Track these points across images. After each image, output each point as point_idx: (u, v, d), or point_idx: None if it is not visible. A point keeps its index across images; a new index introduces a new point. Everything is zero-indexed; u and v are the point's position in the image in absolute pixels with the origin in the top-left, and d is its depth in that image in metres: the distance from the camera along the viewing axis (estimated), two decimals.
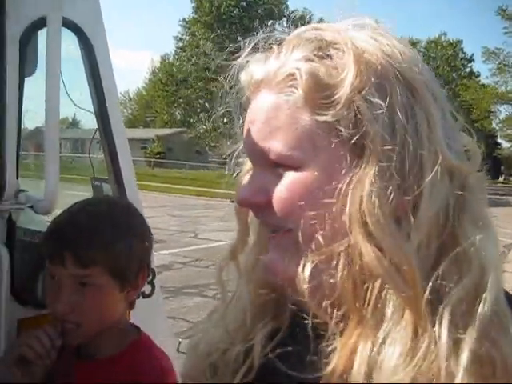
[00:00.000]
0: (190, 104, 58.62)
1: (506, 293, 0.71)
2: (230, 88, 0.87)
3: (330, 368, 0.70)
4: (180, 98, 59.83)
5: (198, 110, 57.97)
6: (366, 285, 0.70)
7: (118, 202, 1.84)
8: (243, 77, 0.83)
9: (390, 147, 0.69)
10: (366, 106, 0.70)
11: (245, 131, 0.82)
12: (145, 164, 47.04)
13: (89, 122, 2.28)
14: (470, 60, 75.51)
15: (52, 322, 1.45)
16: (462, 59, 75.39)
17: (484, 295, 0.65)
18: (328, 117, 0.72)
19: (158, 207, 20.20)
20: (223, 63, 0.88)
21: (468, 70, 75.30)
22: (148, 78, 79.20)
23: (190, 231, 15.27)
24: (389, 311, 0.67)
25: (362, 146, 0.71)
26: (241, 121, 0.87)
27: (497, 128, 60.46)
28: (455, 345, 0.63)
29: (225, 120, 0.99)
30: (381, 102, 0.69)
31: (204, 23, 57.33)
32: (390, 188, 0.68)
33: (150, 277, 2.37)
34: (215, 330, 0.92)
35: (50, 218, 1.65)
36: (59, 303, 1.41)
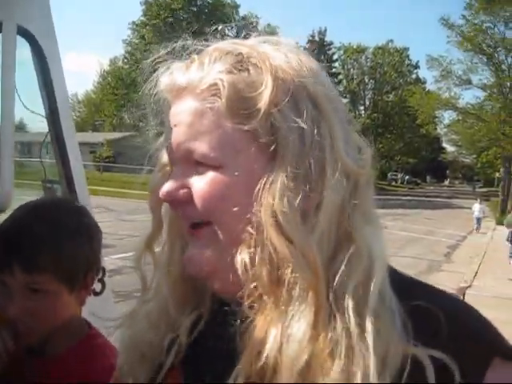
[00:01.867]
0: (140, 108, 57.74)
1: (393, 273, 0.83)
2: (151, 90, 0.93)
3: (249, 342, 0.79)
4: (129, 101, 59.02)
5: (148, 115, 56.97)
6: (279, 270, 0.79)
7: (64, 201, 1.79)
8: (165, 81, 0.89)
9: (299, 155, 0.79)
10: (281, 118, 0.80)
11: (168, 133, 0.89)
12: (94, 168, 46.23)
13: (37, 125, 2.29)
14: (416, 66, 77.18)
15: (5, 324, 1.43)
16: (408, 65, 76.90)
17: (373, 280, 0.77)
18: (248, 126, 0.81)
19: (108, 211, 19.93)
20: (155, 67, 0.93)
21: (414, 76, 77.04)
22: (97, 81, 78.00)
23: (140, 236, 15.05)
24: (296, 293, 0.77)
25: (276, 152, 0.80)
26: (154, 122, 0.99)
27: (441, 133, 61.95)
28: (360, 324, 0.75)
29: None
30: (293, 116, 0.80)
31: (153, 26, 56.86)
32: (298, 189, 0.78)
33: (100, 275, 2.40)
34: (138, 322, 0.99)
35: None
36: (11, 308, 1.40)
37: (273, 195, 0.79)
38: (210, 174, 0.83)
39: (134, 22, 62.61)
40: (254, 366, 0.78)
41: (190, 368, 0.93)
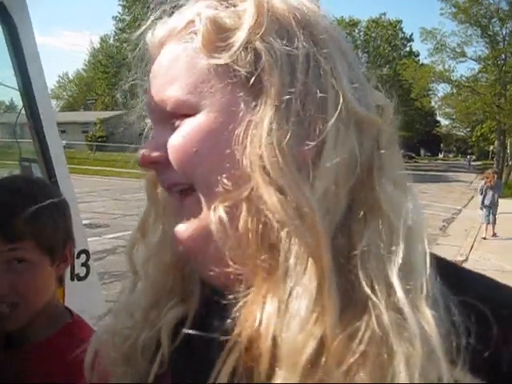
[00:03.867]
0: (132, 86, 57.67)
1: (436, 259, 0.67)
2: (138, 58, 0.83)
3: (237, 329, 0.66)
4: (121, 79, 58.74)
5: (140, 93, 57.02)
6: (271, 233, 0.66)
7: (32, 177, 1.82)
8: (148, 39, 0.80)
9: (288, 90, 0.67)
10: (264, 48, 0.68)
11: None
12: (86, 148, 46.12)
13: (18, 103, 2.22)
14: (410, 40, 77.04)
15: None
16: (401, 39, 76.82)
17: (416, 266, 0.63)
18: (224, 59, 0.69)
19: (101, 191, 19.91)
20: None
21: (408, 49, 76.89)
22: (87, 59, 77.54)
23: (134, 214, 15.04)
24: (292, 262, 0.64)
25: (259, 87, 0.68)
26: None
27: (435, 106, 61.88)
28: (391, 312, 0.61)
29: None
30: (280, 46, 0.68)
31: (143, 2, 56.36)
32: (289, 133, 0.65)
33: (85, 258, 2.34)
34: (119, 318, 0.87)
35: None
36: None
37: (259, 139, 0.66)
38: (185, 124, 0.71)
39: None
40: (244, 359, 0.65)
41: (179, 372, 0.80)
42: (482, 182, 16.39)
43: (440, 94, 53.01)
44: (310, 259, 0.63)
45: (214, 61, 0.70)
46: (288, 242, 0.65)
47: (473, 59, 43.78)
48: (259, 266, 0.67)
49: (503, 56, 41.92)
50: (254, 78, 0.68)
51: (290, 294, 0.63)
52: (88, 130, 54.09)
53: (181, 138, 0.71)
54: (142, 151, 0.76)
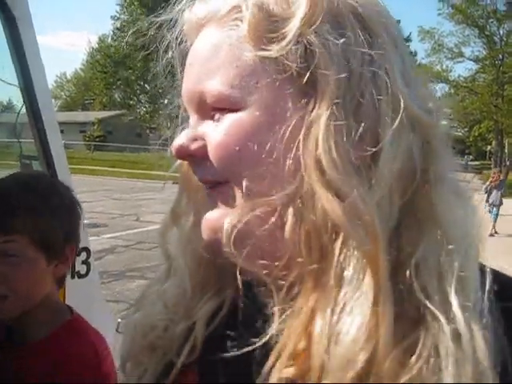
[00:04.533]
0: (130, 86, 57.56)
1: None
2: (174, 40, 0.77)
3: (286, 337, 0.61)
4: (119, 79, 58.63)
5: (138, 92, 57.04)
6: (323, 239, 0.61)
7: (43, 174, 1.81)
8: (186, 17, 0.74)
9: (344, 88, 0.61)
10: (318, 41, 0.62)
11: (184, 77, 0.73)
12: (84, 148, 46.03)
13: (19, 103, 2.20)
14: (408, 39, 76.83)
15: None
16: None
17: (465, 273, 0.59)
18: (274, 52, 0.63)
19: (99, 191, 19.84)
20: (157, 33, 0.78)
21: None
22: (85, 59, 77.34)
23: (132, 214, 15.08)
24: (349, 273, 0.59)
25: (312, 84, 0.63)
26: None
27: None
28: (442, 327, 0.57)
29: (165, 101, 0.91)
30: (335, 39, 0.62)
31: (140, 1, 56.16)
32: (347, 133, 0.61)
33: (85, 256, 2.33)
34: (152, 307, 0.82)
35: None
36: None
37: (315, 139, 0.61)
38: (227, 119, 0.66)
39: None
40: (290, 369, 0.60)
41: (207, 369, 0.75)
42: (488, 181, 16.57)
43: (438, 94, 53.03)
44: (368, 269, 0.58)
45: (262, 53, 0.64)
46: (344, 250, 0.60)
47: (470, 59, 43.92)
48: (307, 273, 0.62)
49: (500, 56, 41.95)
50: (307, 75, 0.62)
51: (343, 307, 0.58)
52: (86, 130, 54.00)
53: (223, 135, 0.66)
54: (178, 141, 0.71)
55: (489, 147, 55.69)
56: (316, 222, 0.61)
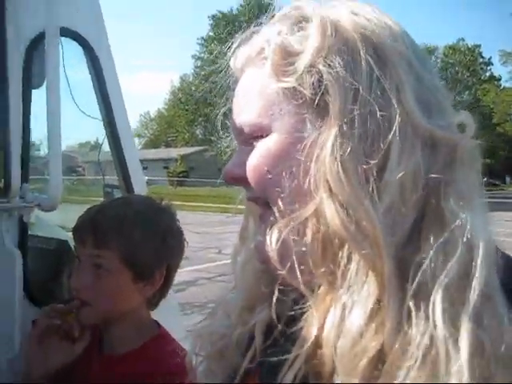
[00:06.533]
0: (210, 122, 59.05)
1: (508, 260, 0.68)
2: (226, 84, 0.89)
3: (304, 334, 0.70)
4: (200, 116, 60.26)
5: (219, 128, 58.30)
6: (333, 248, 0.70)
7: (152, 200, 1.85)
8: (232, 65, 0.86)
9: (351, 108, 0.69)
10: (325, 69, 0.71)
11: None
12: (167, 183, 47.30)
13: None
14: (489, 63, 74.91)
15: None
16: (480, 63, 74.79)
17: (474, 280, 0.62)
18: (291, 82, 0.73)
19: (182, 225, 20.20)
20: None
21: (488, 74, 74.72)
22: (168, 98, 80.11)
23: (214, 247, 15.26)
24: (351, 275, 0.68)
25: (323, 107, 0.71)
26: None
27: None
28: (452, 335, 0.61)
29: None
30: (341, 66, 0.71)
31: (219, 40, 57.93)
32: (352, 149, 0.68)
33: None
34: (217, 317, 0.93)
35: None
36: (74, 279, 1.55)
37: (323, 157, 0.70)
38: (259, 145, 0.78)
39: (202, 38, 64.16)
40: (309, 364, 0.69)
41: (267, 371, 0.82)
42: None
43: None
44: (370, 272, 0.66)
45: (283, 84, 0.75)
46: (348, 255, 0.68)
47: None
48: (323, 276, 0.71)
49: None
50: (318, 99, 0.72)
51: (350, 306, 0.66)
52: (169, 166, 55.56)
53: (255, 158, 0.77)
54: (226, 167, 0.83)
55: None
56: (328, 233, 0.69)
